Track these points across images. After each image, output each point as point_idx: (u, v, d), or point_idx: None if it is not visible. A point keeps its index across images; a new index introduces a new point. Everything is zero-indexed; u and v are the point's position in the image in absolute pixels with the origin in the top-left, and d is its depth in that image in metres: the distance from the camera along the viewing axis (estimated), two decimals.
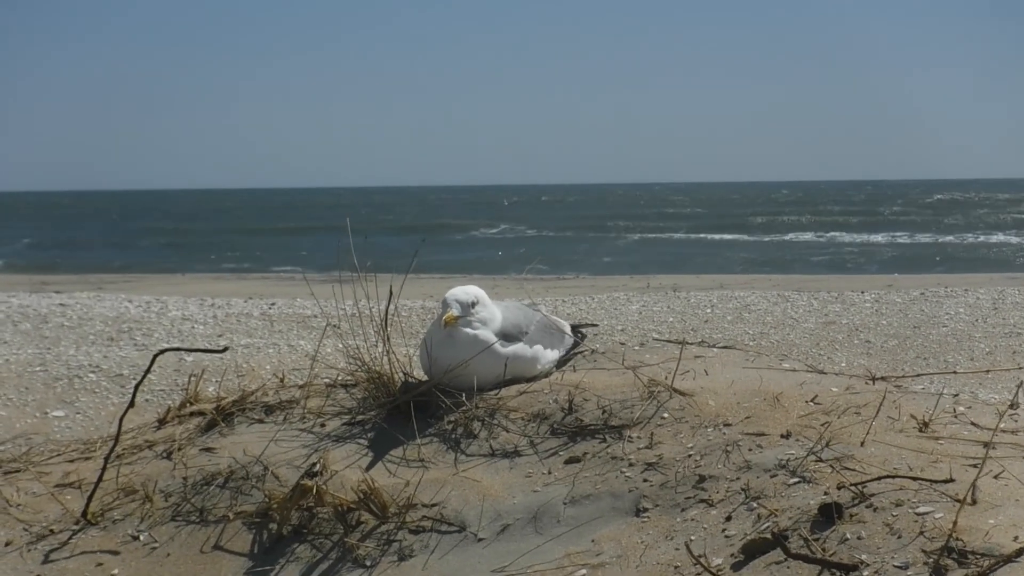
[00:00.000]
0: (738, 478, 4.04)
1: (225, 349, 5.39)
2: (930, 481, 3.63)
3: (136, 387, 5.17)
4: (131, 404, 5.03)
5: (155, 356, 5.19)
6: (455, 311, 4.97)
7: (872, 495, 3.59)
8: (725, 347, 6.37)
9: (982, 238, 39.89)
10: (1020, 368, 6.68)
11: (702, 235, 44.39)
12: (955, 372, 6.51)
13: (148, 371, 5.23)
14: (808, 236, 43.33)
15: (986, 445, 4.07)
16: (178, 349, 5.54)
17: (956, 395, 5.10)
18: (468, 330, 5.00)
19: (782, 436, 4.30)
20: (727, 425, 4.48)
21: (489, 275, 22.70)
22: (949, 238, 39.66)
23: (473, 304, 5.03)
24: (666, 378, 4.93)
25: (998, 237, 40.11)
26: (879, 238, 40.75)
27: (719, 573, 3.49)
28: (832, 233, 44.23)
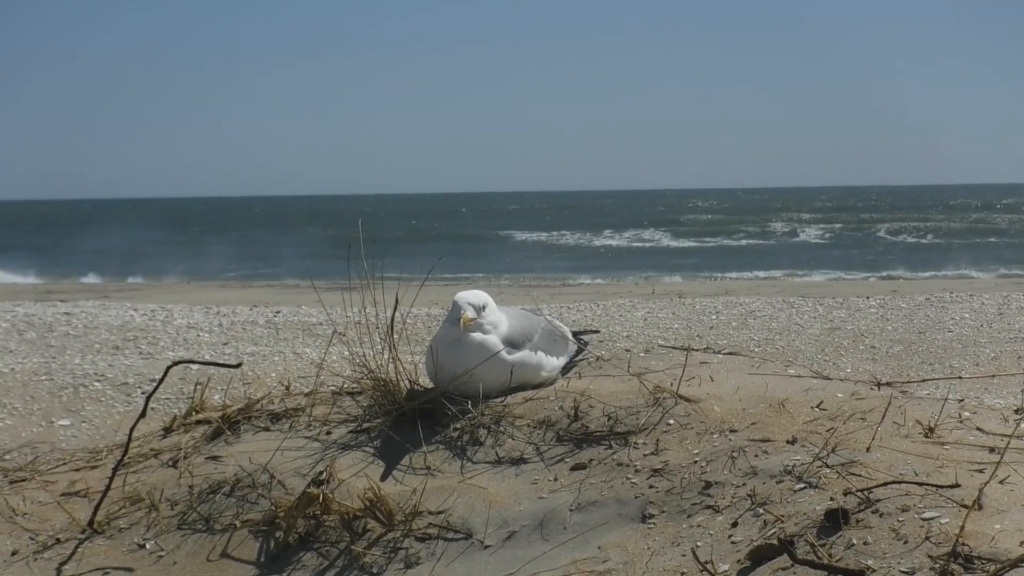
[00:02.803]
0: (744, 484, 4.04)
1: (239, 365, 5.37)
2: (936, 486, 3.63)
3: (148, 398, 5.16)
4: (143, 414, 5.03)
5: (168, 368, 5.19)
6: (469, 313, 4.97)
7: (878, 501, 3.60)
8: (730, 353, 6.37)
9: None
10: None
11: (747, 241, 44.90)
12: (960, 377, 6.49)
13: (160, 382, 5.24)
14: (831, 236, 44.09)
15: (992, 450, 4.07)
16: (191, 362, 5.51)
17: (961, 400, 5.09)
18: (476, 335, 5.00)
19: (788, 442, 4.30)
20: (733, 431, 4.48)
21: (494, 281, 22.71)
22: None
23: (483, 308, 5.03)
24: (672, 384, 4.94)
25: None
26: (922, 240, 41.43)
27: None
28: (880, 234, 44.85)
